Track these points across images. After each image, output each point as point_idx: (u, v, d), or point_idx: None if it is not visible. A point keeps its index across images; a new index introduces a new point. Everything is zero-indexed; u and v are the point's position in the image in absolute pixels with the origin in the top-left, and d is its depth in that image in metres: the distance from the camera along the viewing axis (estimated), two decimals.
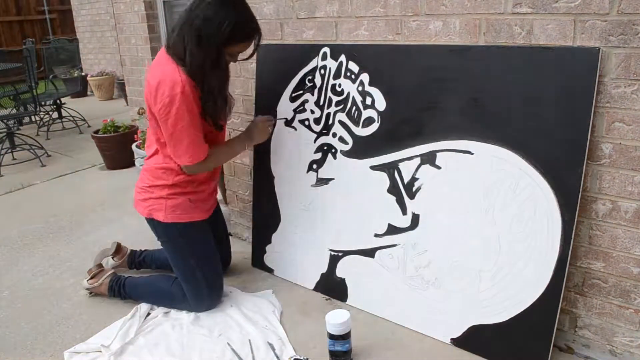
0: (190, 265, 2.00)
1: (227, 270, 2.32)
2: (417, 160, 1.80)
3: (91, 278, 2.23)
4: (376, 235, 1.94)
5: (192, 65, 1.77)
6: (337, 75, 1.99)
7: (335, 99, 2.01)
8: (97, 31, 7.49)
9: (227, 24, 1.75)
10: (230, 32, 1.76)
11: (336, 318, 1.69)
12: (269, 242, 2.32)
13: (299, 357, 1.71)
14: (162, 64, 1.83)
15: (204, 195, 2.05)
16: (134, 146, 3.47)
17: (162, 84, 1.78)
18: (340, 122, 2.00)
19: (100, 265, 2.30)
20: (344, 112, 1.99)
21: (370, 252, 1.96)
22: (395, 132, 1.85)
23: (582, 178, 1.49)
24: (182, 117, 1.79)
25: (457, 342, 1.77)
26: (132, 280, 2.19)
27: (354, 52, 1.94)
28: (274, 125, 2.18)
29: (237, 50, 1.87)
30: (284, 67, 2.17)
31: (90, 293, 2.25)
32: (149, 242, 2.38)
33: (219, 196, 2.12)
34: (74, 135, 5.38)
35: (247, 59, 1.96)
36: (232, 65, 2.42)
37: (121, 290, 2.16)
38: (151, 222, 2.03)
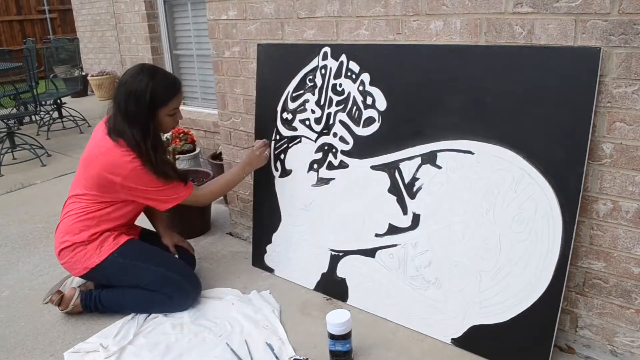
0: (154, 271, 2.02)
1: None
2: (418, 160, 1.80)
3: (59, 305, 2.06)
4: (377, 235, 1.94)
5: (130, 143, 1.88)
6: (337, 75, 1.99)
7: (335, 98, 2.01)
8: (97, 31, 7.47)
9: (146, 90, 1.87)
10: (151, 98, 1.88)
11: (337, 318, 1.69)
12: (270, 241, 2.32)
13: (299, 357, 1.71)
14: (109, 149, 1.90)
15: (124, 227, 2.10)
16: None
17: (117, 167, 1.89)
18: (341, 121, 2.00)
19: (59, 292, 2.08)
20: (344, 111, 1.99)
21: (371, 252, 1.96)
22: (396, 132, 1.85)
23: (583, 178, 1.49)
24: (149, 183, 1.93)
25: (458, 342, 1.77)
26: (109, 293, 2.06)
27: (354, 51, 1.94)
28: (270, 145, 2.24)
29: (171, 108, 1.97)
30: (284, 66, 2.17)
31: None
32: None
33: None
34: (74, 134, 5.38)
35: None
36: (232, 65, 2.43)
37: (98, 306, 2.05)
38: (92, 274, 2.02)
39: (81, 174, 2.01)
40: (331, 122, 2.03)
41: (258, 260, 2.37)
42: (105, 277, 2.05)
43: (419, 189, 1.81)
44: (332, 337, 1.69)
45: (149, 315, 2.05)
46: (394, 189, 1.87)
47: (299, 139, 2.15)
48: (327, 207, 2.08)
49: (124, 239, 2.04)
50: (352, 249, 2.02)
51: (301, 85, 2.12)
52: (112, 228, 2.03)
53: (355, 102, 1.95)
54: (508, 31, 1.58)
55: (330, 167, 2.05)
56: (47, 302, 2.11)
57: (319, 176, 2.10)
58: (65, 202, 2.07)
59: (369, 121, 1.92)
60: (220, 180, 2.16)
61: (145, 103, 1.88)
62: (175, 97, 1.97)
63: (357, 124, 1.95)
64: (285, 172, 2.22)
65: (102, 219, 2.00)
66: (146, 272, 2.01)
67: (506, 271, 1.64)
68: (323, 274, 2.13)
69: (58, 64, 6.52)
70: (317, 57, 2.05)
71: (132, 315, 2.04)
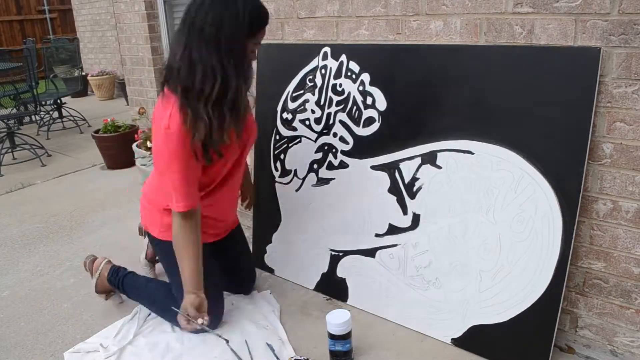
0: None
1: (248, 294, 2.17)
2: (418, 160, 1.80)
3: (90, 271, 2.16)
4: (377, 235, 1.94)
5: (206, 77, 1.56)
6: (337, 75, 1.99)
7: (335, 98, 2.01)
8: (97, 31, 7.48)
9: (244, 12, 1.56)
10: (249, 21, 1.57)
11: (337, 318, 1.69)
12: (270, 242, 2.32)
13: (299, 358, 1.71)
14: (157, 104, 1.69)
15: (205, 225, 1.87)
16: (134, 146, 3.47)
17: (154, 123, 1.68)
18: (341, 121, 2.00)
19: (94, 257, 2.19)
20: (344, 111, 1.99)
21: (371, 252, 1.96)
22: (396, 132, 1.85)
23: (583, 178, 1.49)
24: (159, 156, 1.68)
25: (458, 342, 1.77)
26: (132, 280, 2.06)
27: (354, 51, 1.94)
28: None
29: (258, 40, 1.68)
30: (284, 66, 2.17)
31: (109, 294, 2.15)
32: None
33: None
34: (74, 134, 5.38)
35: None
36: None
37: (119, 286, 2.07)
38: (148, 236, 2.01)
39: None
40: (331, 122, 2.03)
41: (258, 260, 2.37)
42: (154, 246, 2.02)
43: (419, 189, 1.81)
44: (332, 337, 1.69)
45: (149, 315, 2.05)
46: (394, 189, 1.87)
47: (299, 139, 2.16)
48: (327, 207, 2.08)
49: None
50: (352, 249, 2.02)
51: (301, 85, 2.12)
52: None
53: (355, 102, 1.95)
54: (508, 31, 1.58)
55: (330, 167, 2.05)
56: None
57: (319, 176, 2.10)
58: None
59: (369, 121, 1.92)
60: (183, 256, 1.78)
61: (242, 28, 1.56)
62: (264, 26, 1.68)
63: (357, 124, 1.95)
64: (285, 172, 2.22)
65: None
66: (178, 278, 1.82)
67: (506, 271, 1.64)
68: (323, 274, 2.13)
69: (58, 64, 6.52)
70: (317, 57, 2.05)
71: (132, 315, 2.04)
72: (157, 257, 2.15)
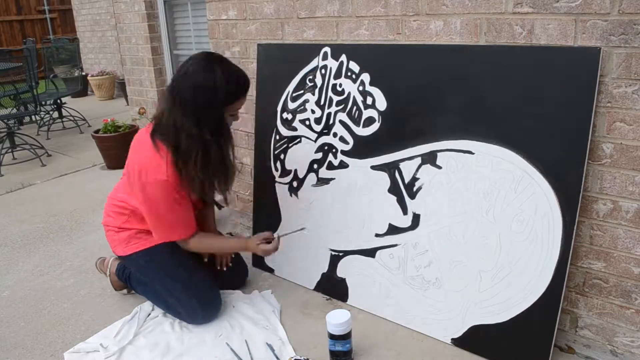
0: (169, 283, 1.95)
1: (241, 288, 2.22)
2: (418, 160, 1.80)
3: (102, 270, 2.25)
4: (377, 235, 1.94)
5: (191, 144, 1.71)
6: (337, 75, 1.99)
7: (336, 98, 2.01)
8: (97, 31, 7.49)
9: (220, 85, 1.69)
10: (226, 92, 1.71)
11: (337, 318, 1.69)
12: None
13: (299, 358, 1.71)
14: (146, 149, 1.78)
15: None
16: None
17: (144, 171, 1.76)
18: (341, 122, 2.00)
19: (102, 260, 2.27)
20: (344, 111, 1.99)
21: (371, 252, 1.96)
22: (396, 132, 1.85)
23: (583, 178, 1.49)
24: (157, 203, 1.80)
25: (458, 342, 1.77)
26: (138, 276, 2.09)
27: (354, 51, 1.94)
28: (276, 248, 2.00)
29: (237, 107, 1.82)
30: (284, 66, 2.17)
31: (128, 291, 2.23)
32: None
33: (218, 197, 2.10)
34: (74, 134, 5.38)
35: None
36: None
37: (126, 281, 2.14)
38: (119, 258, 2.10)
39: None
40: (331, 122, 2.03)
41: (258, 260, 2.37)
42: (129, 268, 2.11)
43: (419, 189, 1.81)
44: (332, 337, 1.69)
45: (149, 315, 2.05)
46: (394, 189, 1.87)
47: (299, 139, 2.16)
48: (327, 207, 2.08)
49: (155, 241, 1.95)
50: (352, 249, 2.02)
51: (301, 85, 2.12)
52: (146, 229, 1.96)
53: (355, 102, 1.95)
54: (508, 31, 1.58)
55: (330, 167, 2.05)
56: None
57: (319, 176, 2.10)
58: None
59: (369, 121, 1.92)
60: (213, 244, 2.06)
61: (217, 99, 1.69)
62: (243, 96, 1.80)
63: (357, 124, 1.95)
64: (285, 172, 2.22)
65: (133, 215, 1.96)
66: (161, 282, 1.96)
67: (506, 271, 1.64)
68: (323, 274, 2.13)
69: (58, 64, 6.53)
70: (317, 57, 2.05)
71: (132, 315, 2.04)
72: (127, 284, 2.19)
